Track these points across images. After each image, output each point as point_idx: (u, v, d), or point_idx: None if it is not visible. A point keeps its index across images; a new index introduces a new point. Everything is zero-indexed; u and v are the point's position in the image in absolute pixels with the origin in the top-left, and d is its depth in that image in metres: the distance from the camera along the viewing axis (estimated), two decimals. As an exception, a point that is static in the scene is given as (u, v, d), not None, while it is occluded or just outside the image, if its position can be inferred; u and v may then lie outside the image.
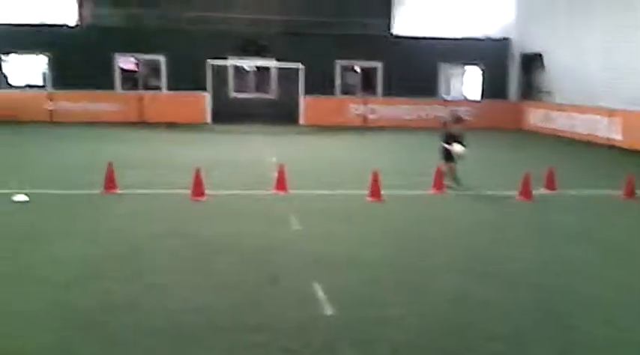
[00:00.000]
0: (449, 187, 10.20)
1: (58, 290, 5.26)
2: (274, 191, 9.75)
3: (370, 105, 23.55)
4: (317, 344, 4.30)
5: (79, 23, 30.26)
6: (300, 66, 22.73)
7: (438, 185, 10.09)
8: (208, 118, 22.46)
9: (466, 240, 7.36)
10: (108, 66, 23.51)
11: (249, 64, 24.81)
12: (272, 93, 24.92)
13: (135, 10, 28.83)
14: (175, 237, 7.02)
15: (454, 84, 27.28)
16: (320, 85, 23.53)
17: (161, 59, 23.94)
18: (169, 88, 23.69)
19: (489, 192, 10.30)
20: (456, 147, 10.29)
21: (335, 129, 21.15)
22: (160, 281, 5.52)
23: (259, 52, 23.79)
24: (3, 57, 23.17)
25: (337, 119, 22.77)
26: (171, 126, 20.76)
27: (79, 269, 5.82)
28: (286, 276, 5.75)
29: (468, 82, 27.37)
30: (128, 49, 23.84)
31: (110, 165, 9.58)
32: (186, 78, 22.88)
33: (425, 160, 12.39)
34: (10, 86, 23.34)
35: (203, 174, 9.36)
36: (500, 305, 5.16)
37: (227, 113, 22.79)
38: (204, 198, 9.08)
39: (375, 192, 9.44)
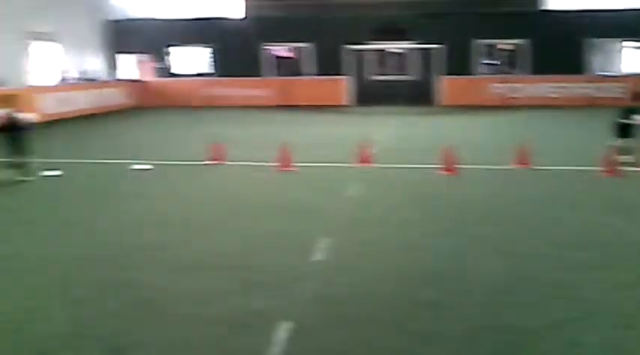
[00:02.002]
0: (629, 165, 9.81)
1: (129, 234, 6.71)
2: (359, 164, 10.60)
3: (512, 84, 23.09)
4: (286, 279, 5.18)
5: (245, 16, 32.97)
6: (439, 46, 22.99)
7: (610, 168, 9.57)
8: (348, 101, 23.61)
9: (511, 213, 7.65)
10: (261, 54, 25.67)
11: (388, 47, 25.48)
12: (411, 75, 25.36)
13: (291, 1, 30.77)
14: (244, 201, 8.25)
15: (611, 59, 25.55)
16: (460, 64, 23.56)
17: (308, 46, 25.51)
18: (316, 73, 25.19)
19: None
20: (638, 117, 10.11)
21: (472, 108, 21.23)
22: (195, 232, 6.75)
23: (398, 35, 24.37)
24: (169, 49, 26.24)
25: (476, 99, 22.71)
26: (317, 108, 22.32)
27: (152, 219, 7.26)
28: (307, 232, 6.64)
29: (626, 57, 25.48)
30: (279, 38, 25.72)
31: (214, 142, 11.09)
32: (329, 63, 24.24)
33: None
34: (174, 75, 26.40)
35: (308, 150, 11.28)
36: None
37: (368, 95, 23.77)
38: (290, 170, 10.22)
39: (450, 165, 9.87)
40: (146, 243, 6.28)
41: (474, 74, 24.31)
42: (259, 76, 25.26)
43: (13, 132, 9.59)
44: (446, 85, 23.21)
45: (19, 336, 4.22)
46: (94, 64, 24.86)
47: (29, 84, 20.15)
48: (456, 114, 20.26)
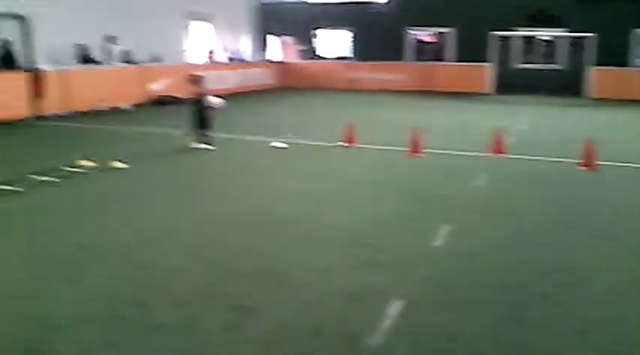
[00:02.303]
0: None
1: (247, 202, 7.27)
2: (492, 154, 10.51)
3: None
4: (403, 260, 5.41)
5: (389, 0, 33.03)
6: (592, 35, 21.75)
7: None
8: (490, 88, 23.06)
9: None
10: (403, 38, 25.71)
11: (535, 34, 24.45)
12: (559, 65, 24.17)
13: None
14: (371, 183, 8.57)
15: None
16: (614, 55, 22.13)
17: (451, 31, 25.16)
18: (457, 60, 24.84)
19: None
20: None
21: (625, 103, 19.98)
22: (323, 209, 7.14)
23: (549, 22, 23.31)
24: (315, 32, 27.04)
25: (630, 92, 21.26)
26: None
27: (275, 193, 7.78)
28: (428, 217, 6.81)
29: None
30: (422, 22, 25.59)
31: (349, 125, 11.47)
32: (472, 49, 23.79)
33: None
34: (318, 58, 27.18)
35: (441, 137, 11.63)
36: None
37: (511, 84, 23.05)
38: (419, 155, 10.35)
39: (590, 161, 9.49)
40: (277, 217, 6.76)
41: (630, 66, 22.74)
42: (400, 61, 25.37)
43: (198, 108, 11.04)
44: (597, 77, 21.90)
45: (162, 289, 4.81)
46: (244, 45, 26.24)
47: (186, 62, 21.76)
48: (605, 107, 19.18)
